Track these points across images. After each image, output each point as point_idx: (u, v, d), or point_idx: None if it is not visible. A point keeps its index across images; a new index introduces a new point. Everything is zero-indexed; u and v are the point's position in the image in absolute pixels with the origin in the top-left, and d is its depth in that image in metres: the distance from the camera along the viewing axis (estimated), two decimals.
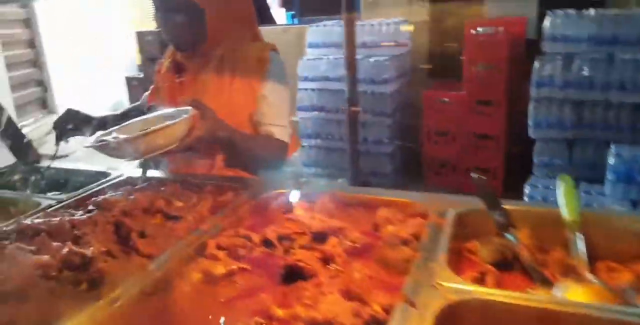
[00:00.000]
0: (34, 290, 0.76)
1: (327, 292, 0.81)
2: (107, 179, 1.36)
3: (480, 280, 0.92)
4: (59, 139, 1.49)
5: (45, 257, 0.79)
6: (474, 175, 1.13)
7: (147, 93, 1.70)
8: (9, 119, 1.51)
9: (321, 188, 1.34)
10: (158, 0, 1.40)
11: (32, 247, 0.85)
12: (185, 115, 1.18)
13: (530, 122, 3.51)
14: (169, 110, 1.30)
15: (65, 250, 0.84)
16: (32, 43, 5.84)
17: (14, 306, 0.74)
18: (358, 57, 3.94)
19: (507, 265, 1.00)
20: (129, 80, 5.04)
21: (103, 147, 1.15)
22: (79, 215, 1.08)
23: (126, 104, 6.11)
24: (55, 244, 0.87)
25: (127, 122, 1.32)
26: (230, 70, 1.46)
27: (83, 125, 1.49)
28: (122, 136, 1.18)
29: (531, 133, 3.52)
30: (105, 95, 6.41)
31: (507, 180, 3.84)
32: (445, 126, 4.01)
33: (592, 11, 3.36)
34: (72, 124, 1.48)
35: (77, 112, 1.52)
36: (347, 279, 0.85)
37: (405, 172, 4.38)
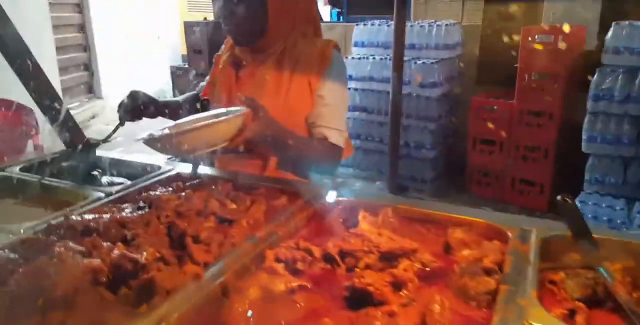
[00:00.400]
0: (82, 297, 0.69)
1: (403, 324, 0.71)
2: (157, 173, 1.31)
3: (569, 319, 0.82)
4: (122, 120, 1.42)
5: (96, 262, 0.73)
6: (559, 197, 1.01)
7: (202, 83, 1.63)
8: (67, 111, 1.47)
9: (358, 190, 1.26)
10: None
11: (82, 248, 0.78)
12: (237, 114, 1.12)
13: (584, 136, 3.35)
14: (223, 109, 1.23)
15: (117, 253, 0.77)
16: (83, 27, 5.95)
17: (59, 314, 0.68)
18: (405, 58, 3.82)
19: (596, 301, 0.88)
20: (174, 69, 5.05)
21: (152, 142, 1.09)
22: (129, 211, 1.02)
23: (169, 93, 6.16)
24: (106, 245, 0.80)
25: (181, 120, 1.26)
26: (289, 67, 1.37)
27: (147, 107, 1.42)
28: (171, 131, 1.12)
29: (585, 148, 3.36)
30: (148, 83, 6.49)
31: (555, 195, 3.66)
32: (492, 135, 3.84)
33: None
34: (136, 105, 1.41)
35: (142, 94, 1.43)
36: (423, 309, 0.75)
37: (446, 180, 4.23)
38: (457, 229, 0.99)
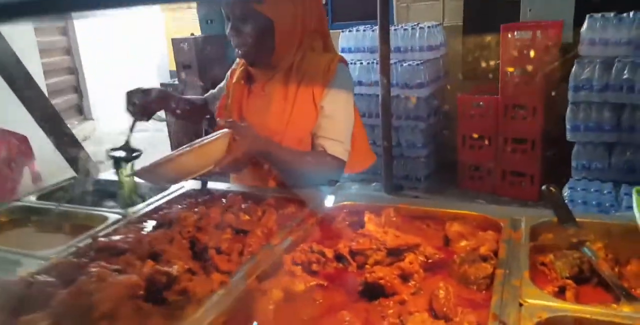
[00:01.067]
0: (125, 310, 0.77)
1: (414, 310, 0.80)
2: (169, 192, 1.38)
3: (560, 295, 0.91)
4: (135, 117, 1.43)
5: (134, 277, 0.80)
6: (544, 187, 1.11)
7: (213, 91, 1.70)
8: (75, 139, 1.55)
9: (358, 193, 1.34)
10: (229, 10, 1.37)
11: (116, 266, 0.86)
12: (216, 137, 1.17)
13: (568, 125, 3.48)
14: (211, 135, 1.26)
15: (150, 269, 0.85)
16: (69, 50, 6.01)
17: None
18: (391, 61, 3.93)
19: (583, 279, 0.98)
20: (164, 86, 5.12)
21: (141, 174, 1.16)
22: (150, 230, 1.09)
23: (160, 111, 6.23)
24: (138, 262, 0.88)
25: (175, 151, 1.31)
26: (296, 82, 1.41)
27: (158, 103, 1.46)
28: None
29: (569, 136, 3.48)
30: None
31: (545, 184, 3.77)
32: (481, 130, 3.96)
33: (632, 14, 3.29)
34: (147, 103, 1.43)
35: (154, 91, 1.46)
36: (430, 296, 0.84)
37: (439, 177, 4.34)
38: (454, 223, 1.08)
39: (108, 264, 0.89)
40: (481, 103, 3.93)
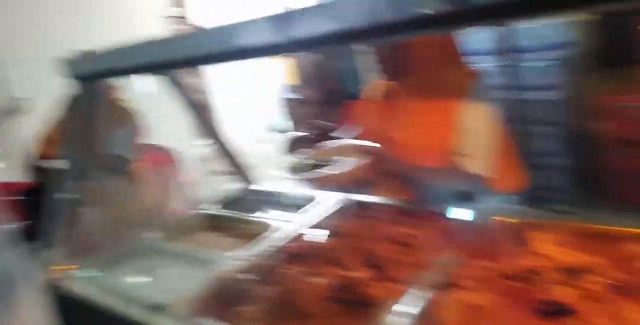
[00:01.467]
0: (321, 310, 0.87)
1: None
2: (330, 204, 1.48)
3: None
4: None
5: (327, 280, 0.91)
6: None
7: (354, 111, 1.81)
8: (236, 153, 1.79)
9: (499, 206, 1.33)
10: None
11: (309, 269, 0.97)
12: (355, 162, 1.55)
13: None
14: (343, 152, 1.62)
15: (336, 274, 0.94)
16: (196, 72, 6.75)
17: (303, 323, 0.86)
18: (517, 63, 3.76)
19: None
20: (290, 101, 5.48)
21: (319, 182, 1.54)
22: (324, 238, 1.20)
23: (279, 126, 6.69)
24: (324, 267, 0.98)
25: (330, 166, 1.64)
26: (433, 98, 1.46)
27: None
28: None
29: None
30: (262, 116, 7.04)
31: None
32: (633, 133, 3.59)
33: None
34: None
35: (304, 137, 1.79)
36: (619, 317, 0.82)
37: (584, 188, 3.99)
38: (632, 242, 1.02)
39: (298, 266, 1.01)
40: (630, 103, 3.57)
